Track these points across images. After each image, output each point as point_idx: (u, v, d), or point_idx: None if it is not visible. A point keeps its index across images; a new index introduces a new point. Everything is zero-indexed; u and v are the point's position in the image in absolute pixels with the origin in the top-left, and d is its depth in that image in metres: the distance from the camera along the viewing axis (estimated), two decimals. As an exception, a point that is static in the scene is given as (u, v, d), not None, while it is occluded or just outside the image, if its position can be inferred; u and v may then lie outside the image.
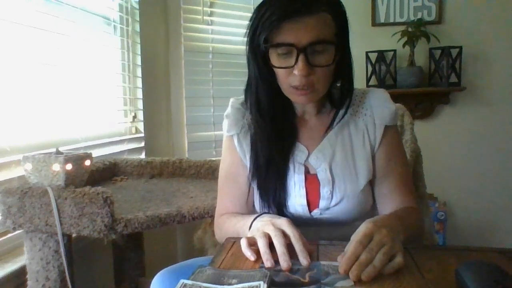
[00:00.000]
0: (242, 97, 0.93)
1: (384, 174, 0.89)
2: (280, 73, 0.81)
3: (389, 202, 0.88)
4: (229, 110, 0.95)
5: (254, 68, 0.84)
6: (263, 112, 0.87)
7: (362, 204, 0.87)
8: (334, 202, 0.86)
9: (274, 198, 0.87)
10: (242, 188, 0.92)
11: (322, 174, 0.87)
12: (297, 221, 0.80)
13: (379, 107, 0.89)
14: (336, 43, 0.78)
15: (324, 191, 0.86)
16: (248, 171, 0.91)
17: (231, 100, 0.97)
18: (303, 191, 0.87)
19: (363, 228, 0.66)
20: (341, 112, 0.89)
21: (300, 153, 0.89)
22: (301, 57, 0.76)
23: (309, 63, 0.77)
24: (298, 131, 0.91)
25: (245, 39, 0.84)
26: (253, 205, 0.93)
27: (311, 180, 0.88)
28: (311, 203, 0.87)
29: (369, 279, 0.59)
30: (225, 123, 0.94)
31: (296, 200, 0.87)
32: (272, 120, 0.87)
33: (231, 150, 0.94)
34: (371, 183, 0.89)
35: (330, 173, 0.86)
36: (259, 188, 0.89)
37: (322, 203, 0.87)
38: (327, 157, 0.88)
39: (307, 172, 0.88)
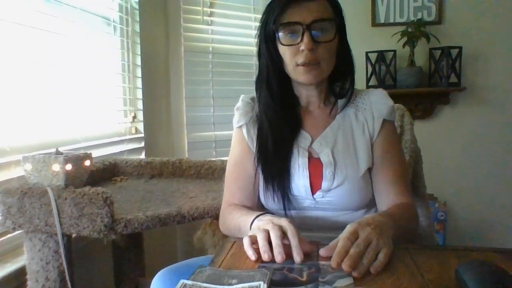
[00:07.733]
0: (252, 94, 1.02)
1: (381, 164, 0.94)
2: (288, 53, 0.90)
3: (384, 193, 0.93)
4: (239, 103, 1.04)
5: (266, 56, 0.94)
6: (272, 93, 0.95)
7: (362, 191, 0.92)
8: (336, 184, 0.91)
9: (278, 181, 0.92)
10: (249, 173, 0.97)
11: (325, 158, 0.93)
12: (300, 206, 0.93)
13: (377, 102, 0.98)
14: (335, 21, 0.90)
15: (327, 172, 0.91)
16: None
17: (242, 96, 1.06)
18: (306, 173, 0.92)
19: (348, 227, 0.71)
20: (343, 101, 0.98)
21: (304, 140, 0.96)
22: (306, 34, 0.87)
23: (313, 39, 0.87)
24: (302, 120, 0.98)
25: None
26: (258, 197, 0.98)
27: (314, 163, 0.93)
28: (314, 186, 0.92)
29: (360, 275, 0.62)
30: (235, 116, 1.02)
31: (300, 182, 0.92)
32: (280, 105, 0.95)
33: (240, 141, 1.00)
34: (370, 173, 0.94)
35: (332, 157, 0.93)
36: (263, 171, 0.94)
37: (325, 184, 0.91)
38: (329, 143, 0.94)
39: (310, 156, 0.94)
